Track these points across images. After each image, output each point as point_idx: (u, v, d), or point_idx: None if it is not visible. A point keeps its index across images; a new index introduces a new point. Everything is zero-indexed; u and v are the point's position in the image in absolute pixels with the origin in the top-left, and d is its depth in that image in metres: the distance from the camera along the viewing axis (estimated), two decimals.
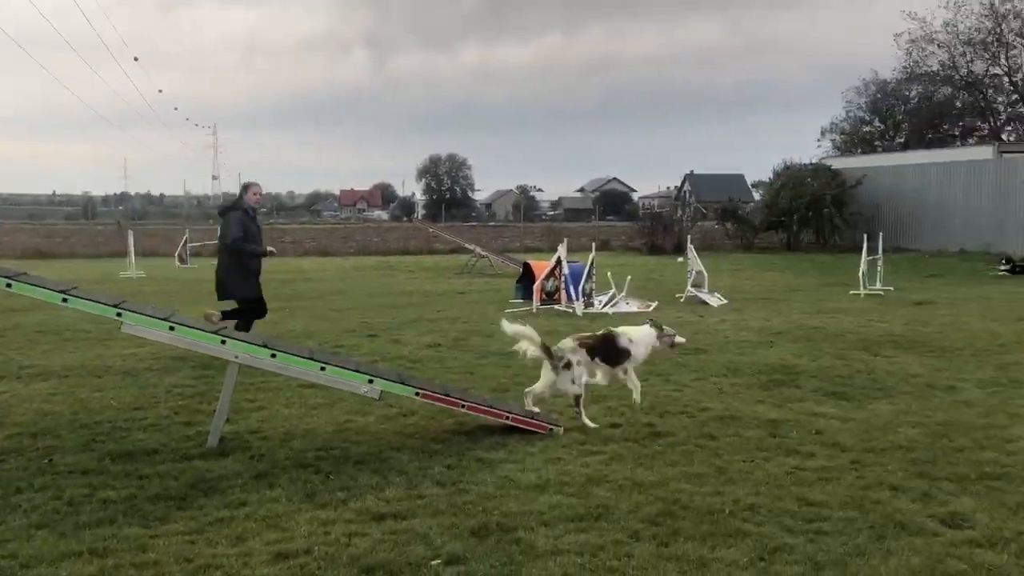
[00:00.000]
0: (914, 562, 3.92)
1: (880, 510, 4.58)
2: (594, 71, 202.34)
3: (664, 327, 6.88)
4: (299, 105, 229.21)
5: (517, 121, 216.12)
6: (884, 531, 4.30)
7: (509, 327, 6.34)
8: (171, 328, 5.52)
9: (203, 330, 5.75)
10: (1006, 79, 37.58)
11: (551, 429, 6.11)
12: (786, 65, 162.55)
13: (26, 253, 29.06)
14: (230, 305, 9.23)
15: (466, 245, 23.22)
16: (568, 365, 6.23)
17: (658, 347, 6.70)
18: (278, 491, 4.93)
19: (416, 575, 3.87)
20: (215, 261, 9.85)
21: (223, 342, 5.65)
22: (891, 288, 15.85)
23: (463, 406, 6.02)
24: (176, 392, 7.55)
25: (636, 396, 6.56)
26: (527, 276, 14.67)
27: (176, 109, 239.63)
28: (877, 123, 42.73)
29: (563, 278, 13.31)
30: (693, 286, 14.76)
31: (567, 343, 6.37)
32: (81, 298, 5.42)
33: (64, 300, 5.36)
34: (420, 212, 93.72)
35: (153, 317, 5.56)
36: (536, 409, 6.24)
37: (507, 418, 6.06)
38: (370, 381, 5.75)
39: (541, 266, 14.09)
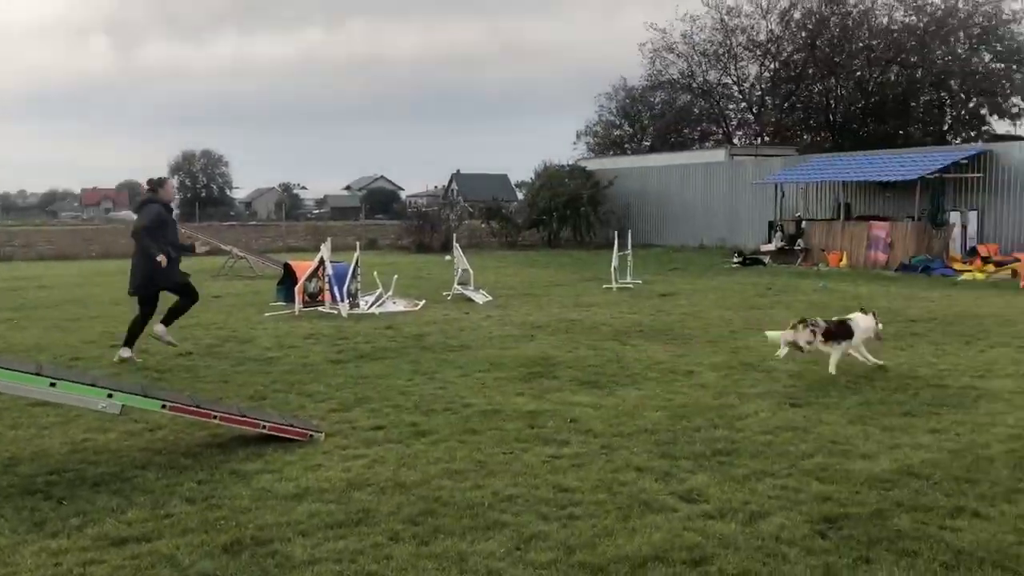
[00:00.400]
0: (656, 538, 4.19)
1: (627, 491, 4.86)
2: (358, 68, 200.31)
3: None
4: (31, 96, 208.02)
5: (278, 117, 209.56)
6: (630, 511, 4.56)
7: (771, 335, 8.48)
8: None
9: None
10: (735, 88, 41.42)
11: (311, 436, 5.94)
12: (544, 69, 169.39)
13: None
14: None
15: (223, 246, 22.14)
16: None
17: (871, 333, 8.17)
18: (0, 523, 4.44)
19: None
20: None
21: None
22: (640, 281, 16.94)
23: (215, 417, 5.71)
24: None
25: (871, 361, 8.15)
26: (289, 277, 14.21)
27: None
28: (626, 127, 45.56)
29: (327, 279, 13.04)
30: (459, 284, 14.98)
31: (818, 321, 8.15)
32: None
33: None
34: (173, 211, 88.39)
35: None
36: (833, 371, 7.80)
37: (264, 427, 5.82)
38: (109, 396, 5.31)
39: (303, 266, 13.70)
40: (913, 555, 3.99)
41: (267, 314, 12.74)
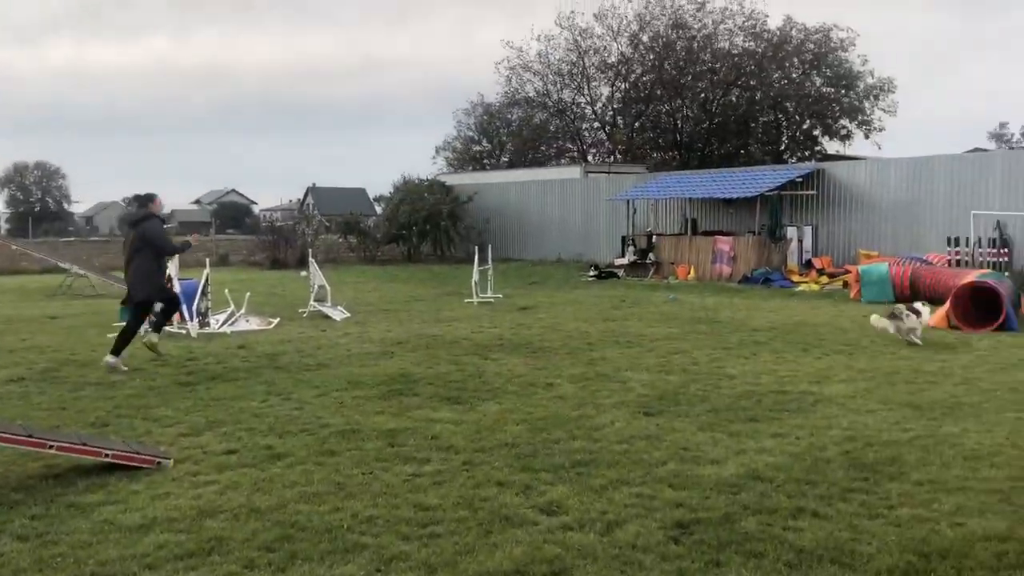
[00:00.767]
0: (516, 552, 4.22)
1: (488, 507, 4.88)
2: (207, 79, 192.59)
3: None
4: None
5: (121, 128, 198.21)
6: (491, 526, 4.58)
7: (875, 320, 10.89)
8: None
9: None
10: (589, 108, 42.61)
11: (159, 463, 5.65)
12: (401, 84, 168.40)
13: None
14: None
15: (61, 264, 20.81)
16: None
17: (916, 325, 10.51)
18: None
19: None
20: None
21: None
22: (500, 295, 17.11)
23: (51, 447, 5.34)
24: None
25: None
26: None
27: None
28: (485, 143, 46.03)
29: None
30: (316, 300, 14.67)
31: (900, 307, 10.88)
32: None
33: None
34: (2, 227, 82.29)
35: None
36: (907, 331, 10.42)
37: (106, 456, 5.49)
38: None
39: None
40: (760, 556, 4.19)
41: (110, 335, 12.03)
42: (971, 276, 13.53)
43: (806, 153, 39.81)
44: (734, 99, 39.54)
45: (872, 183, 21.46)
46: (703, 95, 39.66)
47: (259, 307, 14.66)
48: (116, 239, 49.37)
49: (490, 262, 17.62)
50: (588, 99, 41.98)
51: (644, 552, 4.24)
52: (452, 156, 46.08)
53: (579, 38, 39.75)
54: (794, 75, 38.82)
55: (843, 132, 40.11)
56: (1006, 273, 16.25)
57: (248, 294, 14.33)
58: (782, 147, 40.50)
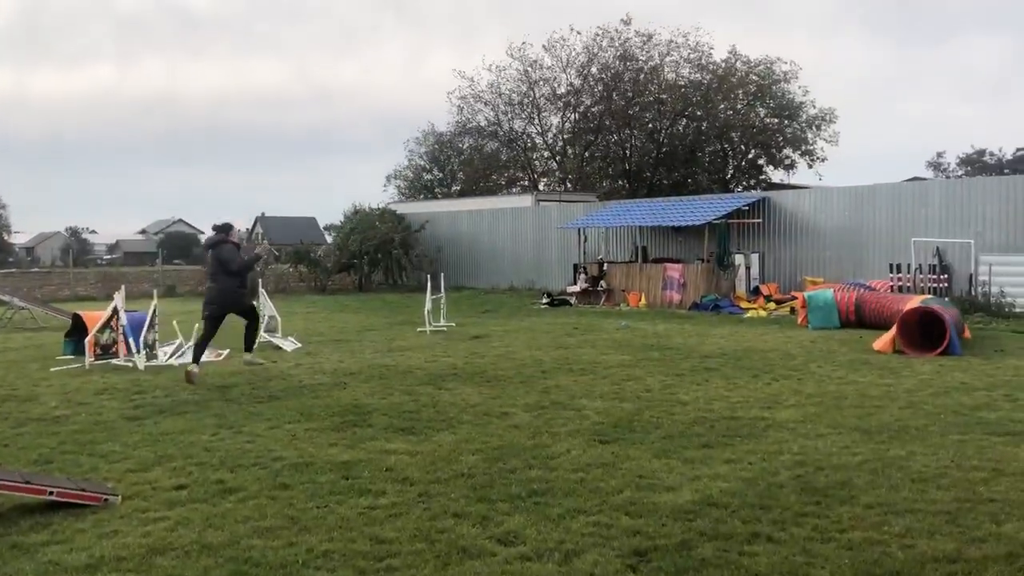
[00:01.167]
0: None
1: (445, 538, 4.84)
2: (152, 107, 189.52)
3: None
4: None
5: (63, 157, 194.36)
6: (449, 558, 4.54)
7: None
8: None
9: None
10: (539, 137, 43.03)
11: (106, 500, 5.51)
12: (351, 112, 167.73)
13: None
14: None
15: (1, 296, 20.27)
16: None
17: None
18: None
19: None
20: None
21: None
22: (453, 324, 17.07)
23: None
24: None
25: None
26: (78, 329, 13.22)
27: None
28: (436, 172, 46.13)
29: (121, 329, 12.21)
30: (266, 331, 14.47)
31: None
32: None
33: None
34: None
35: None
36: None
37: (51, 494, 5.34)
38: None
39: (94, 317, 12.77)
40: None
41: (54, 369, 11.75)
42: (915, 301, 13.88)
43: (752, 182, 40.67)
44: (681, 129, 40.29)
45: (816, 211, 21.97)
46: (651, 125, 40.35)
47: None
48: (58, 270, 48.32)
49: (443, 290, 17.58)
50: (539, 129, 42.47)
51: None
52: (403, 185, 46.11)
53: (529, 68, 40.25)
54: (739, 106, 39.70)
55: (787, 161, 41.08)
56: (946, 299, 16.70)
57: (197, 326, 14.06)
58: (728, 176, 41.31)
